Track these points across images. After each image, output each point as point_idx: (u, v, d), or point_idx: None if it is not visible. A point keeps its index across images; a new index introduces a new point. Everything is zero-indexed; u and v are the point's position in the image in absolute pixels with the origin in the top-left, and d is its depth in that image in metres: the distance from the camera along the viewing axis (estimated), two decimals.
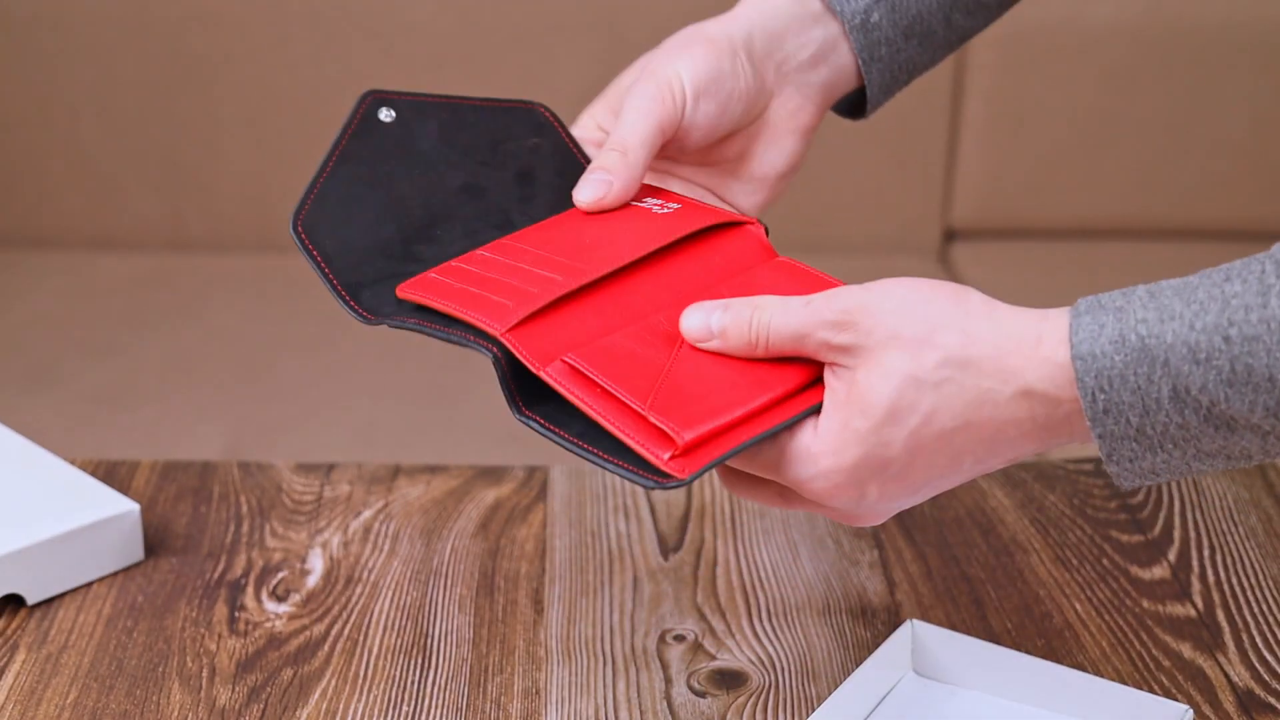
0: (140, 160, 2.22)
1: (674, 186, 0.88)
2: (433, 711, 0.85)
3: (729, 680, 0.87)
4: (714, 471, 0.78)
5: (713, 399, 0.73)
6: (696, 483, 1.04)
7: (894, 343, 0.71)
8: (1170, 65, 2.19)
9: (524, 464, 1.09)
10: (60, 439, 1.25)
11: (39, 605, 0.93)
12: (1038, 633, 0.91)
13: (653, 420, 0.71)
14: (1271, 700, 0.86)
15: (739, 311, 0.75)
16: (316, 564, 0.98)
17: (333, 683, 0.87)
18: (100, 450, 1.54)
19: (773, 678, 0.88)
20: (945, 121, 2.23)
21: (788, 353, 0.74)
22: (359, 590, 0.95)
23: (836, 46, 0.87)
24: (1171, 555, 0.99)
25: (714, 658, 0.89)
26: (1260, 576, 0.97)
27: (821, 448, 0.73)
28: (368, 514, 1.03)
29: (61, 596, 0.94)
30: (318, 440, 1.87)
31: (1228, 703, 0.85)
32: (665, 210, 0.83)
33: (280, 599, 0.94)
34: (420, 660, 0.89)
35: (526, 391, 0.75)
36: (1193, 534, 1.01)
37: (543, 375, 0.74)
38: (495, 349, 0.75)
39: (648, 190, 0.85)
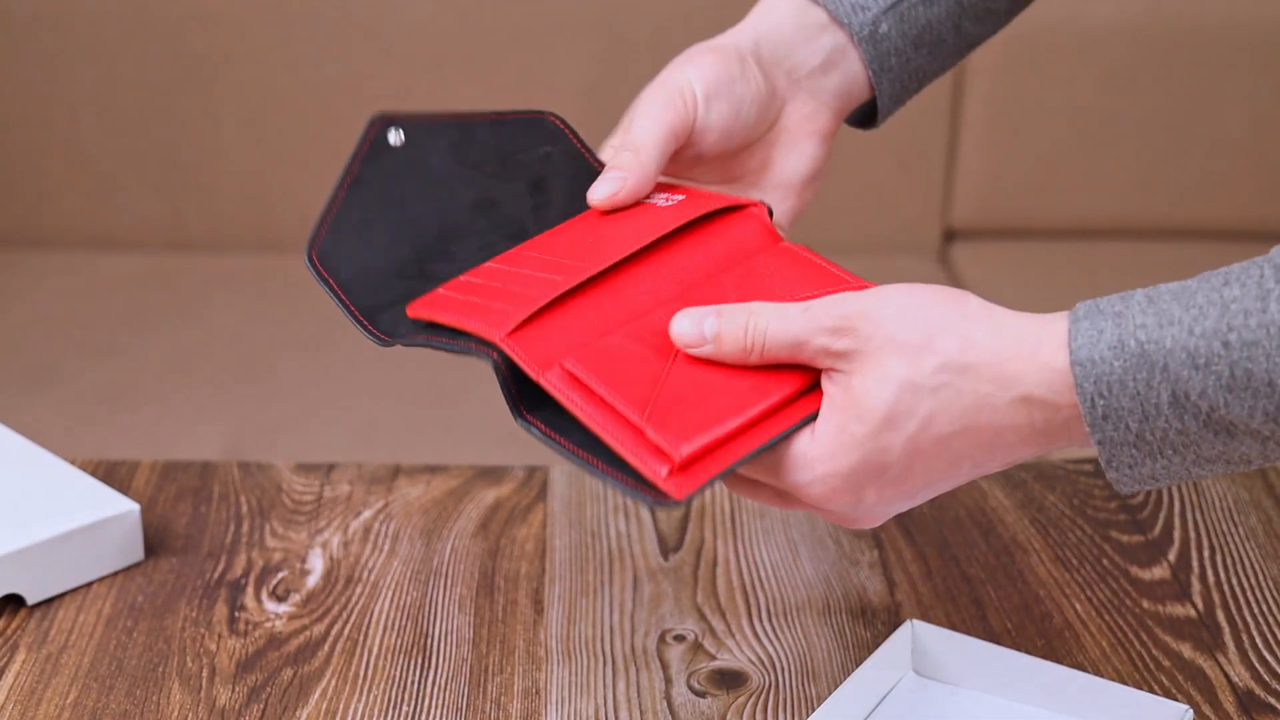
0: (140, 160, 2.22)
1: None
2: (433, 711, 0.85)
3: (729, 680, 0.87)
4: None
5: (711, 404, 0.73)
6: None
7: (892, 347, 0.71)
8: (1170, 65, 2.19)
9: (524, 464, 1.09)
10: (60, 439, 1.25)
11: (39, 605, 0.93)
12: (1038, 633, 0.91)
13: (650, 435, 0.71)
14: (1271, 700, 0.86)
15: (733, 317, 0.74)
16: (316, 564, 0.98)
17: (333, 683, 0.87)
18: (100, 450, 1.54)
19: (773, 678, 0.88)
20: (945, 122, 2.23)
21: (783, 359, 0.74)
22: (359, 590, 0.95)
23: (846, 54, 0.87)
24: (1171, 555, 0.99)
25: (714, 658, 0.89)
26: (1260, 577, 0.97)
27: (818, 453, 0.72)
28: (368, 514, 1.03)
29: (61, 596, 0.94)
30: (318, 440, 1.87)
31: (1228, 703, 0.86)
32: (669, 203, 0.83)
33: (280, 599, 0.94)
34: (420, 660, 0.89)
35: (528, 395, 0.75)
36: (1193, 534, 1.01)
37: (541, 382, 0.74)
38: (495, 354, 0.75)
39: (658, 187, 0.85)
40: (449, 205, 0.84)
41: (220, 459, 1.11)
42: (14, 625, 0.92)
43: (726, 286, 0.78)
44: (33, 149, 2.22)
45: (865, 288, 0.76)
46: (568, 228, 0.83)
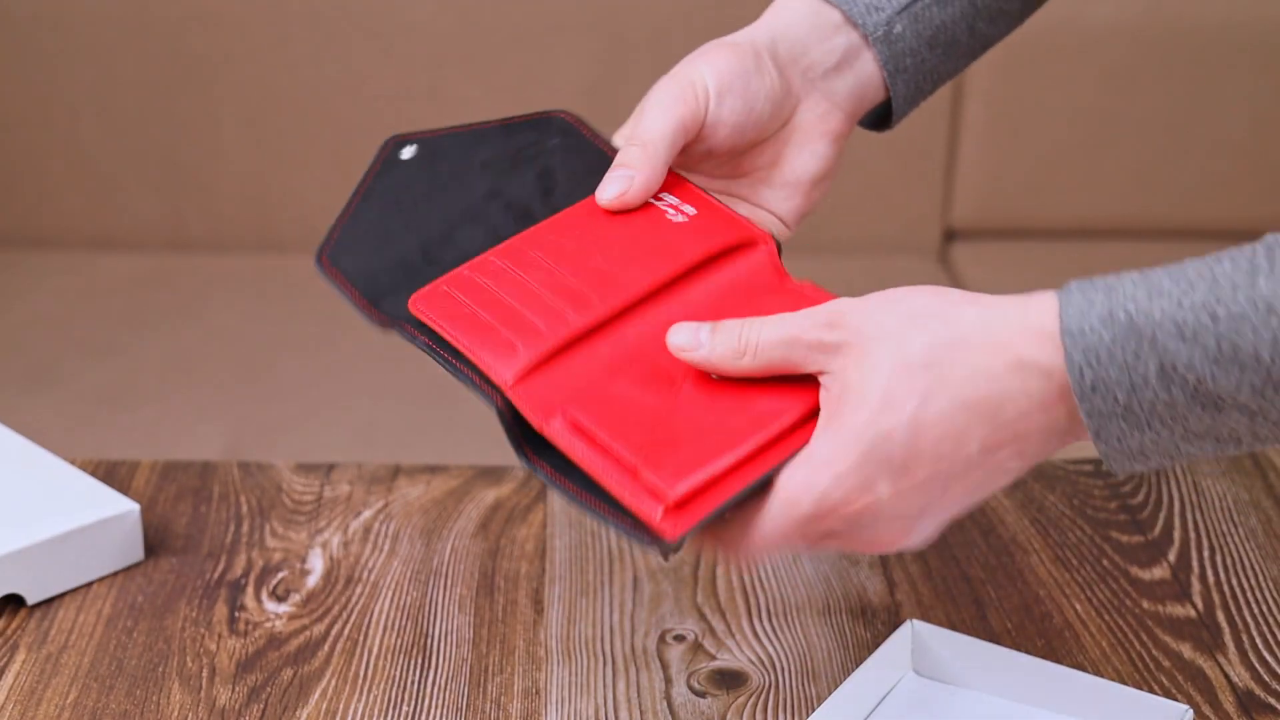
0: (140, 160, 2.22)
1: None
2: (433, 711, 0.85)
3: (729, 680, 0.87)
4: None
5: (706, 441, 0.73)
6: None
7: (880, 334, 0.72)
8: (1170, 65, 2.19)
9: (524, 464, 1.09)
10: (60, 439, 1.25)
11: (39, 605, 0.93)
12: (1038, 633, 0.91)
13: (644, 475, 0.72)
14: (1271, 700, 0.86)
15: (728, 325, 0.76)
16: (316, 564, 0.98)
17: (333, 683, 0.87)
18: (100, 450, 1.54)
19: (773, 678, 0.88)
20: (945, 121, 2.23)
21: (776, 363, 0.74)
22: (359, 590, 0.95)
23: (860, 54, 0.87)
24: (1171, 556, 0.99)
25: (714, 658, 0.89)
26: (1260, 577, 0.97)
27: (822, 454, 0.72)
28: (368, 514, 1.03)
29: (61, 596, 0.94)
30: (318, 440, 1.87)
31: (1228, 703, 0.86)
32: (680, 219, 0.82)
33: (280, 599, 0.94)
34: (420, 660, 0.89)
35: (532, 435, 0.75)
36: (1193, 535, 1.01)
37: (545, 432, 0.74)
38: (499, 400, 0.75)
39: (670, 181, 0.84)
40: (457, 201, 0.84)
41: (220, 459, 1.11)
42: (14, 625, 0.92)
43: None
44: (33, 149, 2.22)
45: None
46: (575, 223, 0.82)
